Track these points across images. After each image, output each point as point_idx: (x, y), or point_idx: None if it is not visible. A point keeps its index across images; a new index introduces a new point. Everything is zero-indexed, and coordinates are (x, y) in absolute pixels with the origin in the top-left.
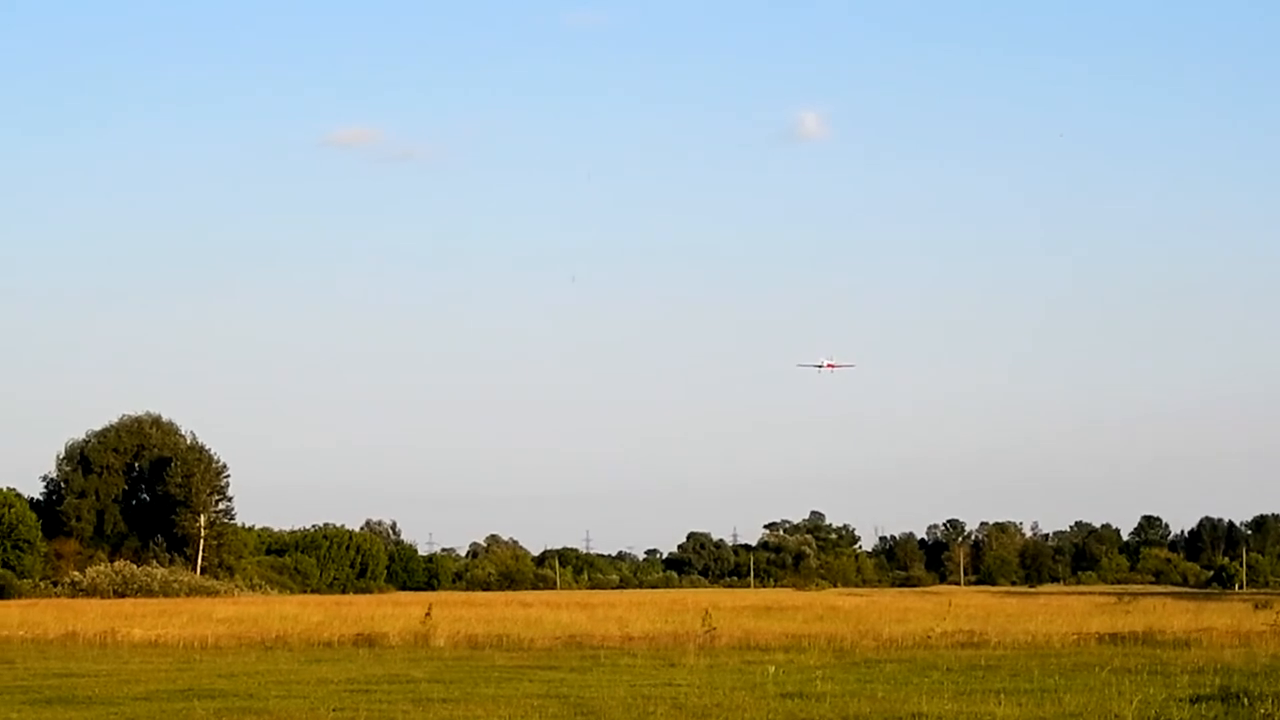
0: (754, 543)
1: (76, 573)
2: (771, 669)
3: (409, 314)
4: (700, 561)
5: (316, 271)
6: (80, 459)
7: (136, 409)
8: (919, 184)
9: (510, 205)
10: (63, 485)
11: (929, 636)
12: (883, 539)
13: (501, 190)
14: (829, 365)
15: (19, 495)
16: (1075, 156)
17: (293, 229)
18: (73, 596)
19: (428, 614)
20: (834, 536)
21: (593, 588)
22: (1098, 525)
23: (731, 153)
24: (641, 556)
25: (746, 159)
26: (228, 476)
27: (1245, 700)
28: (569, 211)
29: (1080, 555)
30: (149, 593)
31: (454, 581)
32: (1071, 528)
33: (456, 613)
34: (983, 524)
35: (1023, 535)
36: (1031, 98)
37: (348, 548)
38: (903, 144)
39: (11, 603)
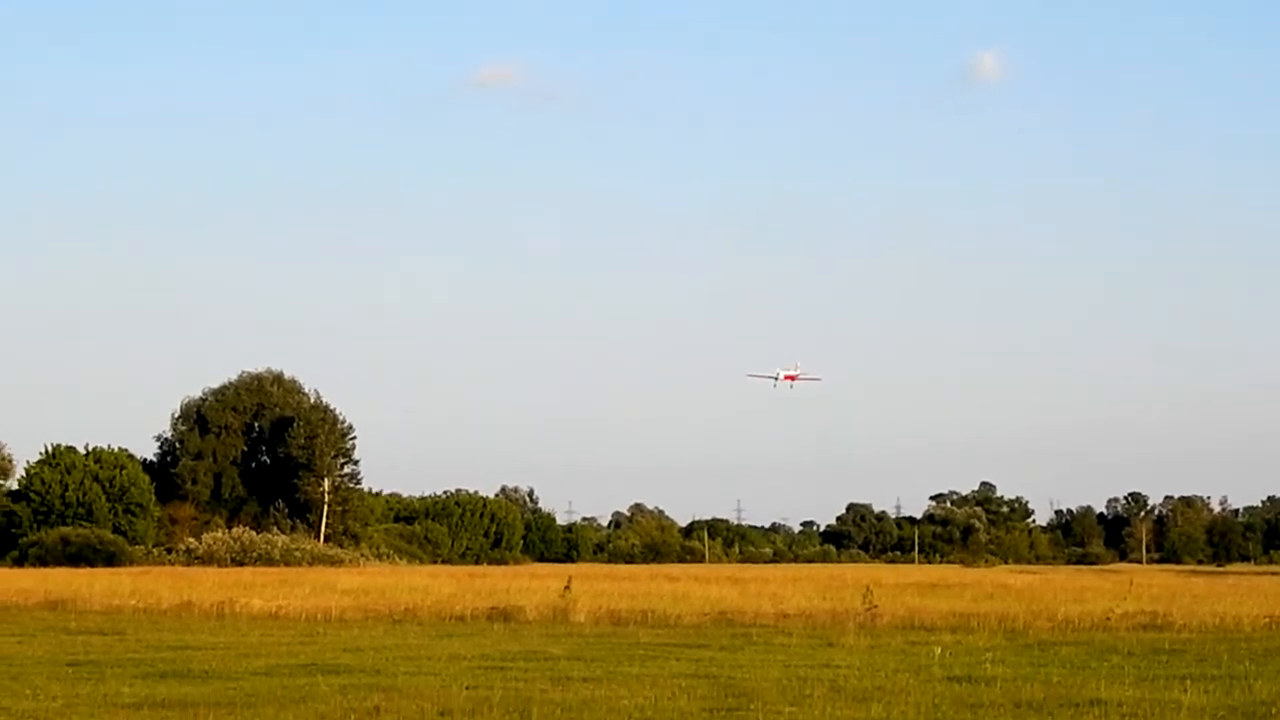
0: (919, 515)
1: (192, 539)
2: (937, 650)
3: (552, 269)
4: (860, 535)
5: (451, 222)
6: (197, 418)
7: (257, 365)
8: (1100, 134)
9: (662, 155)
10: (178, 446)
11: (1108, 618)
12: (1058, 513)
13: (653, 138)
14: (787, 376)
15: (131, 456)
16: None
17: (426, 176)
18: (188, 565)
19: (567, 587)
20: (1005, 509)
21: (744, 561)
22: None
23: (903, 98)
24: (797, 529)
25: (918, 105)
26: (354, 438)
27: None
28: (724, 163)
29: (1273, 532)
30: (269, 561)
31: (595, 553)
32: (1264, 503)
33: (598, 586)
34: (1167, 498)
35: (1210, 510)
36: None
37: (481, 516)
38: (1079, 92)
39: (123, 570)
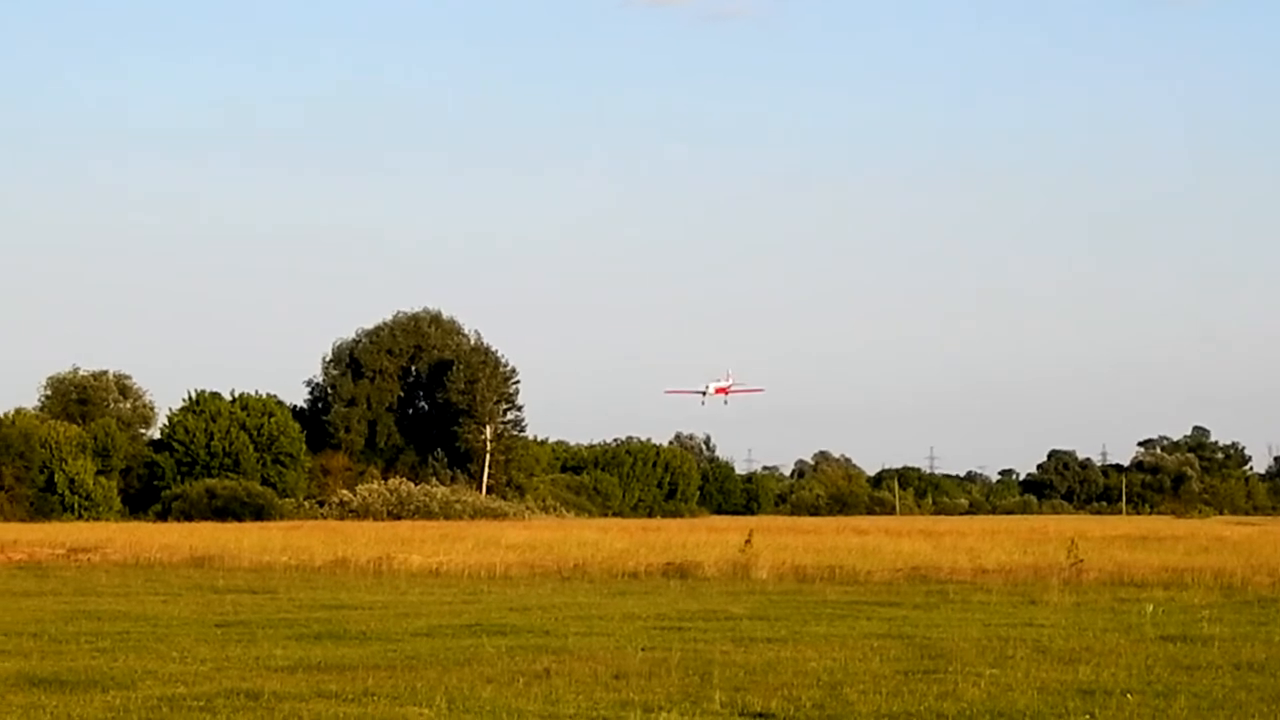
0: (1126, 463)
1: (346, 491)
2: (1149, 608)
3: (729, 198)
4: (1064, 484)
5: (619, 147)
6: (350, 362)
7: (413, 304)
8: None
9: (852, 75)
10: (329, 392)
11: None
12: (1277, 459)
13: (828, 58)
14: (718, 390)
15: (280, 403)
16: None
17: (593, 100)
18: (342, 518)
19: (748, 541)
20: (1220, 456)
21: (938, 513)
22: None
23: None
24: (995, 478)
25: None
26: (517, 382)
27: None
28: (912, 83)
29: None
30: (428, 514)
31: (777, 505)
32: None
33: (781, 540)
34: None
35: None
36: None
37: (655, 465)
38: None
39: (273, 525)
